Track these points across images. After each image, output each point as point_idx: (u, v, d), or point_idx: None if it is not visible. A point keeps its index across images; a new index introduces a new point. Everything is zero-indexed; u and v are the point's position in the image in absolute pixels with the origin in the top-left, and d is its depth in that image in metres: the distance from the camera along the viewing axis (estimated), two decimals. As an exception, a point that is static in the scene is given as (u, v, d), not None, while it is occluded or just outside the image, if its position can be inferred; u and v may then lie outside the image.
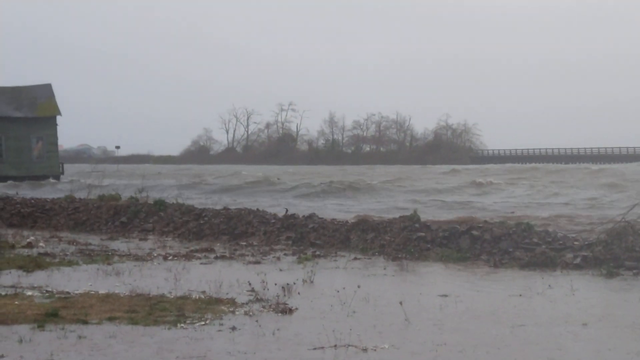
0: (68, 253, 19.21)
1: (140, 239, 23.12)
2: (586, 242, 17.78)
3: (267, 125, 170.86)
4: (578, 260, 16.76)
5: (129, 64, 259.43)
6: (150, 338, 10.10)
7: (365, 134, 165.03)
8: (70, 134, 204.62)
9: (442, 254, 18.14)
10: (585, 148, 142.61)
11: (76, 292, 13.47)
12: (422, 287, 14.49)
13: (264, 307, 12.13)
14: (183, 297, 12.96)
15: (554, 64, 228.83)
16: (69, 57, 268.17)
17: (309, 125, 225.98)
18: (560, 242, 18.14)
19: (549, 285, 14.19)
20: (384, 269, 16.79)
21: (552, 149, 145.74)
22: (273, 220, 22.90)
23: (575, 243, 17.98)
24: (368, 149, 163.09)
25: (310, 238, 21.12)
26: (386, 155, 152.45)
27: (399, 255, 18.28)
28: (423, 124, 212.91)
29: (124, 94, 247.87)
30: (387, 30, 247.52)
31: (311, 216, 22.94)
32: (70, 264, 17.24)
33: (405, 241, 19.21)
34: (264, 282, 13.55)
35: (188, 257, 18.67)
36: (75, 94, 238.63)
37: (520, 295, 13.36)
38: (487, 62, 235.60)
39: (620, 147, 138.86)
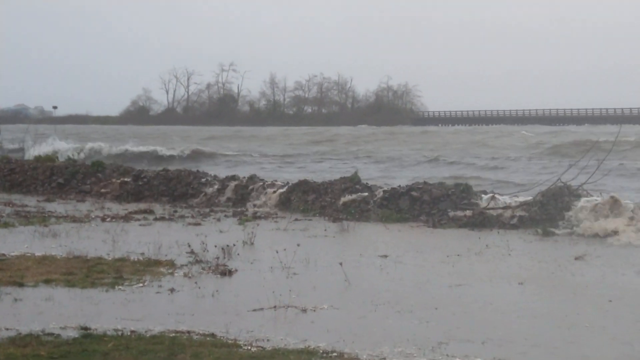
0: (4, 215, 18.89)
1: (78, 201, 22.84)
2: (522, 203, 18.00)
3: (208, 86, 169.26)
4: (515, 220, 16.99)
5: (63, 22, 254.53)
6: (87, 300, 10.01)
7: (307, 95, 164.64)
8: (6, 93, 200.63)
9: (382, 215, 18.24)
10: (524, 110, 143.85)
11: (12, 254, 13.26)
12: (362, 248, 14.56)
13: (203, 268, 12.09)
14: (121, 259, 12.85)
15: (496, 26, 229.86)
16: (4, 13, 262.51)
17: (251, 86, 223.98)
18: (498, 202, 18.34)
19: (486, 245, 14.36)
20: (325, 230, 16.83)
21: (492, 110, 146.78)
22: (213, 182, 22.79)
23: (513, 204, 18.20)
24: (310, 110, 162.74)
25: (250, 199, 21.07)
26: (328, 116, 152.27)
27: (340, 217, 18.33)
28: (365, 86, 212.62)
29: (62, 51, 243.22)
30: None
31: (252, 177, 22.87)
32: (5, 225, 16.98)
33: (345, 202, 19.25)
34: (203, 243, 13.50)
35: (126, 218, 18.51)
36: (13, 51, 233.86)
37: (458, 255, 13.51)
38: (428, 23, 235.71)
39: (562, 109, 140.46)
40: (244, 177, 22.95)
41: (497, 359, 7.60)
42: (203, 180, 23.06)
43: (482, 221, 17.14)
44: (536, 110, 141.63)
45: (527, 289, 10.81)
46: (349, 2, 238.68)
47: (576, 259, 13.08)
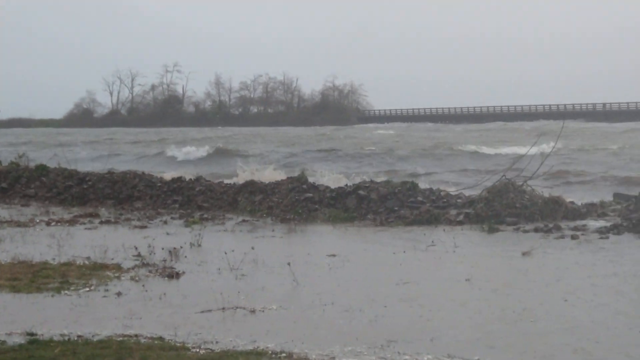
0: (-54, 221, 18.59)
1: (22, 205, 22.54)
2: (469, 200, 18.16)
3: (153, 87, 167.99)
4: (461, 217, 17.12)
5: (7, 25, 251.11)
6: (33, 306, 9.89)
7: (252, 95, 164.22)
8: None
9: (329, 214, 18.26)
10: (468, 107, 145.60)
11: (-45, 261, 13.04)
12: (310, 247, 14.57)
13: (150, 271, 12.00)
14: (67, 263, 12.70)
15: (441, 34, 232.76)
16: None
17: (196, 86, 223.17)
18: (444, 200, 18.50)
19: (433, 242, 14.46)
20: (272, 230, 16.82)
21: (432, 108, 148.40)
22: (159, 184, 22.63)
23: (459, 201, 18.36)
24: (255, 110, 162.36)
25: (197, 201, 20.97)
26: (274, 116, 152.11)
27: (287, 217, 18.30)
28: (310, 85, 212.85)
29: (4, 56, 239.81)
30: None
31: (198, 179, 22.78)
32: (-52, 232, 16.70)
33: (293, 202, 19.24)
34: (150, 246, 13.42)
35: (72, 222, 18.30)
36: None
37: (405, 252, 13.58)
38: (373, 25, 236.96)
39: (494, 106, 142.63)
40: (190, 179, 22.84)
41: (448, 355, 7.64)
42: (149, 182, 22.86)
43: (428, 219, 17.24)
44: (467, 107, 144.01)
45: (474, 285, 10.89)
46: (292, 3, 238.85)
47: (523, 254, 13.21)
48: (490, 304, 9.85)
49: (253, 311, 9.51)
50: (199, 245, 14.40)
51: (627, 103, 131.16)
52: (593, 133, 63.81)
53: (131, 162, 45.10)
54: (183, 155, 49.04)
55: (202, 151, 49.84)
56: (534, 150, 20.45)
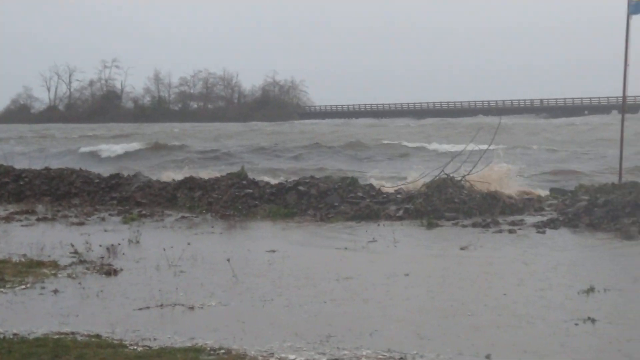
0: None
1: (-43, 203, 22.15)
2: (408, 195, 18.27)
3: (91, 83, 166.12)
4: (400, 212, 17.20)
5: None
6: (-33, 305, 9.72)
7: (192, 91, 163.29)
8: None
9: (269, 210, 18.22)
10: (408, 103, 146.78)
11: None
12: (250, 243, 14.52)
13: (87, 268, 11.86)
14: (2, 260, 12.48)
15: (384, 25, 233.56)
16: None
17: (135, 82, 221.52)
18: (384, 195, 18.59)
19: (373, 238, 14.52)
20: (212, 227, 16.73)
21: (373, 104, 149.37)
22: (97, 180, 22.38)
23: (398, 196, 18.47)
24: (195, 106, 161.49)
25: (136, 197, 20.77)
26: (214, 112, 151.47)
27: (227, 213, 18.23)
28: (251, 81, 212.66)
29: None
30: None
31: (136, 175, 22.59)
32: None
33: (233, 198, 19.17)
34: (87, 243, 13.28)
35: (8, 219, 18.02)
36: None
37: (346, 248, 13.62)
38: (313, 19, 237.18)
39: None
40: (128, 175, 22.65)
41: (388, 350, 7.66)
42: (87, 179, 22.60)
43: (368, 214, 17.30)
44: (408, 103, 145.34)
45: (413, 280, 10.95)
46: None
47: (461, 249, 13.33)
48: (429, 298, 9.91)
49: (192, 308, 9.46)
50: (138, 242, 14.27)
51: (564, 99, 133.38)
52: (525, 129, 64.59)
53: (62, 158, 44.40)
54: (118, 149, 48.27)
55: (135, 146, 49.24)
56: (471, 146, 20.63)
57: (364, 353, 7.60)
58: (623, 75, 18.26)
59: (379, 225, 16.34)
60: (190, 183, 20.77)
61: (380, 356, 7.52)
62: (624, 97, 18.69)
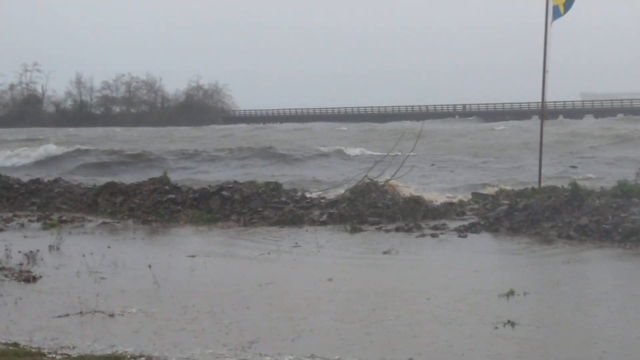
0: None
1: None
2: (332, 200, 18.31)
3: (11, 87, 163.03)
4: (324, 217, 17.22)
5: None
6: None
7: (115, 95, 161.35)
8: None
9: (192, 216, 18.08)
10: (333, 108, 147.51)
11: None
12: (172, 249, 14.40)
13: (6, 276, 11.61)
14: None
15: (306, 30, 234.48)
16: None
17: (56, 86, 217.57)
18: (308, 200, 18.60)
19: (296, 243, 14.50)
20: (134, 232, 16.54)
21: (298, 109, 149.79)
22: (16, 185, 21.97)
23: (322, 201, 18.50)
24: (118, 110, 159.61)
25: (56, 203, 20.44)
26: (137, 116, 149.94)
27: (149, 218, 18.05)
28: (174, 85, 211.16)
29: None
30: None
31: (57, 180, 22.24)
32: None
33: (155, 204, 18.99)
34: (7, 249, 13.00)
35: None
36: None
37: (269, 253, 13.57)
38: (237, 24, 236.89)
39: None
40: (49, 180, 22.28)
41: (310, 355, 7.65)
42: (6, 184, 22.15)
43: (292, 219, 17.28)
44: (343, 108, 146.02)
45: (336, 285, 10.96)
46: (156, 3, 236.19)
47: (384, 253, 13.40)
48: (352, 303, 9.93)
49: (112, 315, 9.33)
50: (58, 249, 14.03)
51: (487, 104, 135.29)
52: (447, 134, 65.31)
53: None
54: (36, 154, 46.36)
55: (53, 150, 47.66)
56: (395, 151, 20.78)
57: (286, 359, 7.59)
58: (542, 81, 18.56)
59: (302, 230, 16.34)
60: (111, 188, 20.52)
61: (302, 362, 7.51)
62: (543, 103, 19.01)
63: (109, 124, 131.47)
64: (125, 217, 18.60)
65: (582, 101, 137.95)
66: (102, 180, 23.75)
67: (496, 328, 8.54)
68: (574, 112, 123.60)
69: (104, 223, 17.81)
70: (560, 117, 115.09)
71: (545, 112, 19.66)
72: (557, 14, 18.00)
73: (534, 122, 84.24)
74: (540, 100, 19.08)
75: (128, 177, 29.14)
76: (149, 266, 11.51)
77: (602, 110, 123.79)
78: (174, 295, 10.36)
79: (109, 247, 13.26)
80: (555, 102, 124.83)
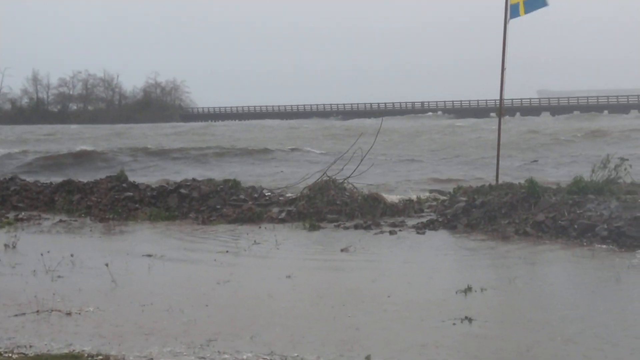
0: None
1: None
2: (291, 198, 18.31)
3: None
4: (283, 215, 17.21)
5: None
6: None
7: (72, 92, 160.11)
8: None
9: (150, 214, 17.99)
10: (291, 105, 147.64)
11: None
12: (129, 247, 14.32)
13: (-40, 275, 11.51)
14: None
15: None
16: None
17: (12, 83, 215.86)
18: (267, 197, 18.58)
19: (255, 241, 14.48)
20: (91, 230, 16.43)
21: (257, 106, 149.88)
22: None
23: (281, 198, 18.49)
24: (75, 107, 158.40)
25: (12, 201, 20.23)
26: (95, 113, 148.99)
27: (107, 216, 17.93)
28: (132, 82, 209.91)
29: None
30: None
31: (13, 178, 22.01)
32: None
33: (113, 201, 18.85)
34: (-39, 249, 12.88)
35: None
36: None
37: (227, 251, 13.55)
38: (195, 22, 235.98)
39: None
40: (4, 178, 22.05)
41: (269, 353, 7.65)
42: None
43: (251, 216, 17.24)
44: (302, 105, 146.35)
45: (295, 282, 10.98)
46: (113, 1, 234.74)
47: (342, 250, 13.43)
48: (311, 300, 9.94)
49: (69, 313, 9.26)
50: (14, 247, 13.90)
51: (445, 102, 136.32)
52: (406, 131, 65.59)
53: None
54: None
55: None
56: (354, 148, 20.80)
57: (245, 357, 7.58)
58: (500, 79, 18.68)
59: (261, 227, 16.31)
60: (68, 186, 20.35)
61: (261, 359, 7.50)
62: (501, 100, 19.13)
63: (66, 121, 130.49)
64: (83, 215, 18.46)
65: (539, 98, 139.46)
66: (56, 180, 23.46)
67: (454, 324, 8.60)
68: (531, 110, 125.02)
69: (61, 221, 17.66)
70: (518, 115, 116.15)
71: (503, 110, 19.80)
72: (514, 13, 18.10)
73: (493, 119, 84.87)
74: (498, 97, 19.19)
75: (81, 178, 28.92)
76: (107, 264, 11.44)
77: (559, 108, 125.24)
78: (131, 294, 10.31)
79: (66, 245, 13.11)
80: (512, 99, 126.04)
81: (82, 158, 41.16)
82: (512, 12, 18.12)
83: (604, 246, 13.10)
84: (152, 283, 11.03)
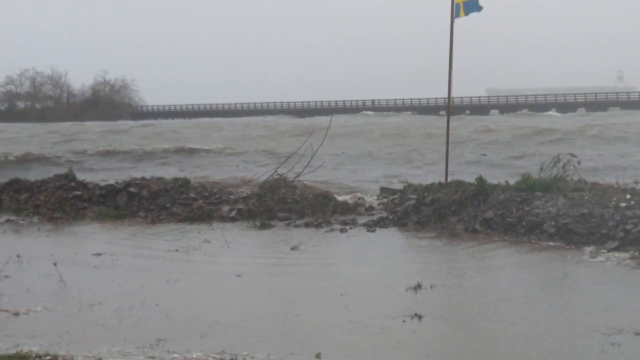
0: None
1: None
2: (241, 196, 18.26)
3: None
4: (233, 213, 17.16)
5: None
6: None
7: (19, 90, 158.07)
8: None
9: (99, 213, 17.83)
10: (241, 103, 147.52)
11: None
12: (78, 246, 14.19)
13: None
14: None
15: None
16: None
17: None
18: (217, 196, 18.51)
19: (205, 240, 14.42)
20: (39, 230, 16.23)
21: (209, 104, 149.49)
22: None
23: (231, 197, 18.43)
24: (23, 105, 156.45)
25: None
26: (42, 112, 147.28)
27: (55, 215, 17.73)
28: (80, 80, 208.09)
29: None
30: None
31: (-42, 177, 21.71)
32: None
33: (61, 200, 18.65)
34: None
35: None
36: None
37: (177, 250, 13.47)
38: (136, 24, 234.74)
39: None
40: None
41: (219, 352, 7.63)
42: None
43: (201, 215, 17.17)
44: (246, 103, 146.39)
45: (245, 281, 10.95)
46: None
47: (292, 249, 13.42)
48: (261, 299, 9.93)
49: (17, 314, 9.15)
50: (-41, 247, 13.71)
51: (395, 99, 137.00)
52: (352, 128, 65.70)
53: None
54: None
55: None
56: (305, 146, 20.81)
57: (195, 356, 7.54)
58: (448, 78, 18.81)
59: (211, 226, 16.25)
60: (16, 185, 20.09)
61: (211, 358, 7.47)
62: (449, 98, 19.28)
63: (13, 119, 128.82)
64: (31, 214, 18.23)
65: (488, 97, 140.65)
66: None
67: (404, 321, 8.64)
68: (479, 108, 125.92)
69: (8, 221, 17.42)
70: (467, 112, 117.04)
71: (451, 108, 19.94)
72: (457, 13, 18.32)
73: (441, 117, 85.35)
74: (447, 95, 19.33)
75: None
76: (55, 264, 11.33)
77: (507, 106, 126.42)
78: (80, 294, 10.21)
79: (13, 245, 12.95)
80: (462, 97, 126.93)
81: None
82: (457, 11, 18.34)
83: (552, 243, 13.25)
84: (101, 282, 10.93)
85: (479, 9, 18.29)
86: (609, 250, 12.42)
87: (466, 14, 18.24)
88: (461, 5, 18.20)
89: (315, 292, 10.20)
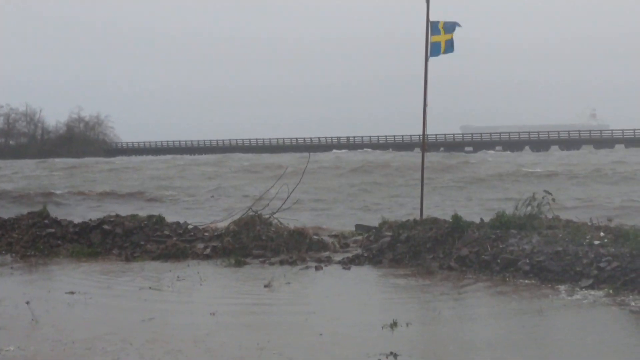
0: None
1: None
2: (216, 233, 18.20)
3: None
4: (208, 250, 17.09)
5: None
6: None
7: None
8: None
9: (73, 250, 17.69)
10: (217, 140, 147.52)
11: None
12: (51, 285, 14.04)
13: None
14: None
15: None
16: None
17: None
18: (192, 233, 18.43)
19: (178, 277, 14.34)
20: (12, 268, 16.08)
21: (181, 140, 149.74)
22: None
23: (206, 234, 18.35)
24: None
25: None
26: (16, 148, 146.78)
27: (28, 253, 17.58)
28: (55, 117, 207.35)
29: None
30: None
31: None
32: None
33: (34, 238, 18.49)
34: None
35: None
36: None
37: (150, 288, 13.38)
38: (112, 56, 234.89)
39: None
40: None
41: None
42: None
43: (175, 252, 17.08)
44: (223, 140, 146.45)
45: (219, 319, 10.89)
46: (35, 31, 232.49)
47: (265, 286, 13.36)
48: (236, 337, 9.87)
49: (-12, 353, 9.06)
50: None
51: (370, 136, 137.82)
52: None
53: None
54: None
55: None
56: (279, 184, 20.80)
57: (169, 396, 7.48)
58: (423, 115, 18.92)
59: (186, 264, 16.16)
60: (-12, 223, 19.90)
61: (185, 398, 7.42)
62: (424, 135, 19.37)
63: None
64: (3, 252, 18.05)
65: (462, 134, 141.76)
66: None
67: (379, 360, 8.62)
68: (454, 145, 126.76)
69: (-21, 259, 17.27)
70: (441, 149, 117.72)
71: (426, 145, 20.03)
72: (436, 51, 18.43)
73: (416, 153, 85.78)
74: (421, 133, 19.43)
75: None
76: (27, 303, 11.23)
77: (481, 143, 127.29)
78: (53, 332, 10.12)
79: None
80: (436, 134, 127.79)
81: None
82: (433, 50, 18.46)
83: (527, 281, 13.27)
84: (74, 321, 10.84)
85: (452, 50, 18.48)
86: (583, 288, 12.46)
87: (447, 51, 18.39)
88: (442, 43, 18.32)
89: (290, 329, 10.15)
